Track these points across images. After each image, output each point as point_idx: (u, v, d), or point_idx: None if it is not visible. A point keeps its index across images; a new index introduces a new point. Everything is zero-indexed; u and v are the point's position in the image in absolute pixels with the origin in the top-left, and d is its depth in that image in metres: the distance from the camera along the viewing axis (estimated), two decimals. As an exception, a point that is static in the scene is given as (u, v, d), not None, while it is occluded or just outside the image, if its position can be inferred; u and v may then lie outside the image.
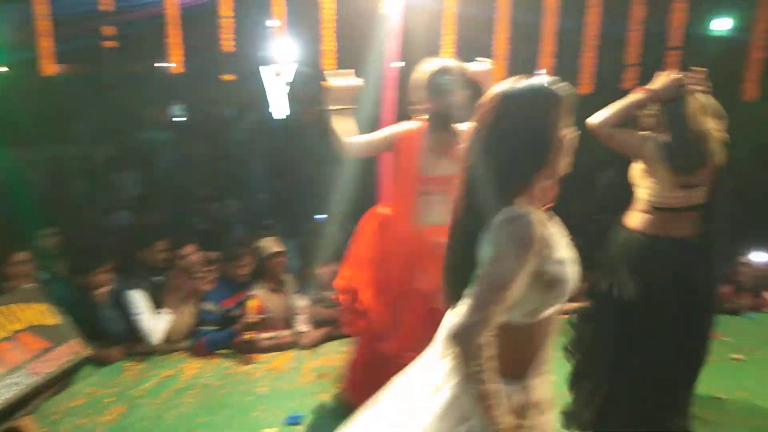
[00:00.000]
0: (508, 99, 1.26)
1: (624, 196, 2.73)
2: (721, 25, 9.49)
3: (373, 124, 2.76)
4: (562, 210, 1.42)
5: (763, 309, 4.75)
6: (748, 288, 4.96)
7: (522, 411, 1.30)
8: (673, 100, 2.40)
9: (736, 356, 3.53)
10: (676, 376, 2.57)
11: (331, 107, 2.61)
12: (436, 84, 2.50)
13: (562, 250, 1.32)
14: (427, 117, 2.56)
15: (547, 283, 1.26)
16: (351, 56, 2.50)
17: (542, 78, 1.33)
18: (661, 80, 2.42)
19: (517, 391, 1.31)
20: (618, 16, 4.12)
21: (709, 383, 2.72)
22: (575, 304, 3.32)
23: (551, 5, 3.85)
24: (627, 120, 2.47)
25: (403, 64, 2.92)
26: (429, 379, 1.40)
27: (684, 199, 2.46)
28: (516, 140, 1.25)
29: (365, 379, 2.55)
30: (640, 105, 2.47)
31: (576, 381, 2.69)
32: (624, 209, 2.64)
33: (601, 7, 3.95)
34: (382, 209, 2.75)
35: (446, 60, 2.56)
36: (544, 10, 3.88)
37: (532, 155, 1.26)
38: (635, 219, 2.58)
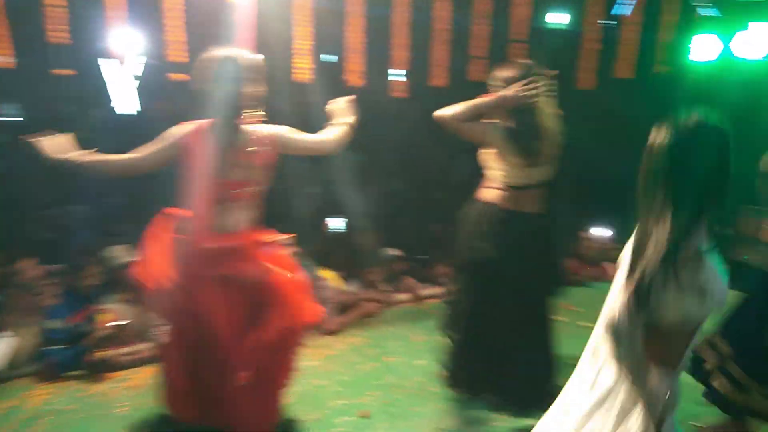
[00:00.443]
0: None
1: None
2: (559, 19, 10.32)
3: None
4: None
5: (605, 279, 5.28)
6: (590, 261, 5.52)
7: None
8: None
9: (583, 323, 3.83)
10: (529, 332, 2.88)
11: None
12: (220, 74, 2.34)
13: None
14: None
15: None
16: (201, 47, 2.34)
17: None
18: (513, 89, 2.64)
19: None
20: (465, 10, 4.28)
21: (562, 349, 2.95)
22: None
23: (402, -1, 3.90)
24: (475, 117, 2.62)
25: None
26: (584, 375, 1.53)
27: (528, 177, 2.75)
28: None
29: (185, 385, 2.46)
30: (489, 107, 2.64)
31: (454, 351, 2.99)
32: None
33: (449, 1, 4.06)
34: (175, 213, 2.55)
35: (237, 50, 2.41)
36: (396, 3, 3.92)
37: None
38: (490, 194, 2.86)
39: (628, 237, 1.50)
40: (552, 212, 2.92)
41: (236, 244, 2.47)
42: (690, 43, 4.81)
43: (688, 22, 4.76)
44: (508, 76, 2.72)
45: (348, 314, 4.41)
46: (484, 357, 2.88)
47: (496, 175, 2.84)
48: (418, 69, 4.44)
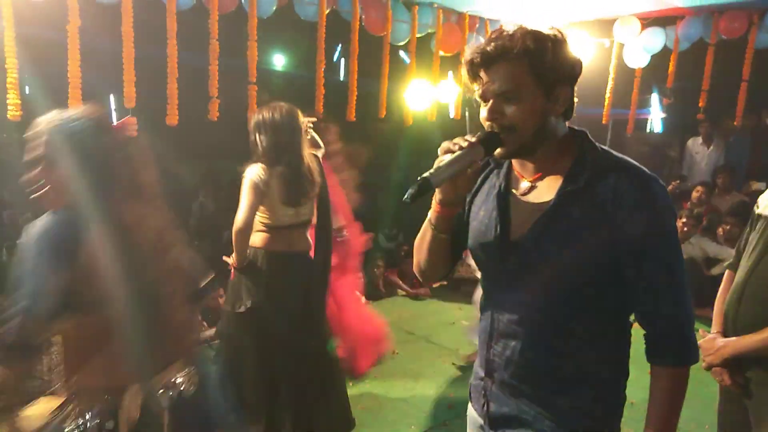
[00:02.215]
0: None
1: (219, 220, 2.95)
2: (278, 60, 10.76)
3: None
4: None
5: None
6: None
7: None
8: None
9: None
10: (315, 374, 3.01)
11: None
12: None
13: None
14: None
15: None
16: None
17: None
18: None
19: None
20: (198, 50, 4.22)
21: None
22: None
23: (127, 34, 3.69)
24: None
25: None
26: None
27: (294, 217, 2.86)
28: None
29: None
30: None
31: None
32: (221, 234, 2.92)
33: (178, 39, 3.96)
34: None
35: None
36: (120, 38, 3.69)
37: None
38: (255, 238, 2.86)
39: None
40: (320, 249, 3.04)
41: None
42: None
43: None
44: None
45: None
46: (272, 396, 2.92)
47: (260, 219, 2.86)
48: (150, 106, 4.22)
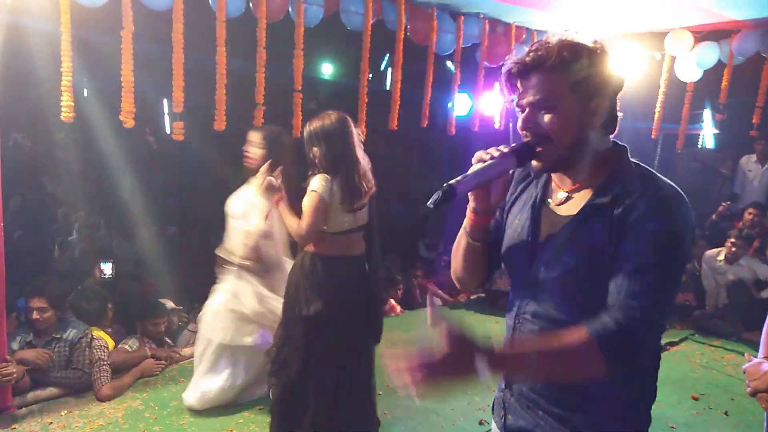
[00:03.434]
0: None
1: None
2: (326, 69, 10.89)
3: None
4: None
5: (392, 314, 5.65)
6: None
7: None
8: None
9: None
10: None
11: None
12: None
13: None
14: None
15: None
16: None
17: None
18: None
19: None
20: (245, 57, 4.31)
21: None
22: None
23: (177, 40, 3.80)
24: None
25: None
26: None
27: (353, 222, 2.95)
28: None
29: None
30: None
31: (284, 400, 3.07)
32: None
33: (227, 47, 4.05)
34: None
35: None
36: (172, 43, 3.81)
37: None
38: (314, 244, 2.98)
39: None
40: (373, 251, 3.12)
41: None
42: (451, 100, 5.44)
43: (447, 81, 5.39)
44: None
45: (123, 376, 4.01)
46: (317, 402, 2.98)
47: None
48: (198, 112, 4.34)
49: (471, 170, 1.39)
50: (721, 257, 5.71)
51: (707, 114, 7.42)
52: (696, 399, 4.03)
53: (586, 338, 1.25)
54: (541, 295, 1.44)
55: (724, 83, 5.48)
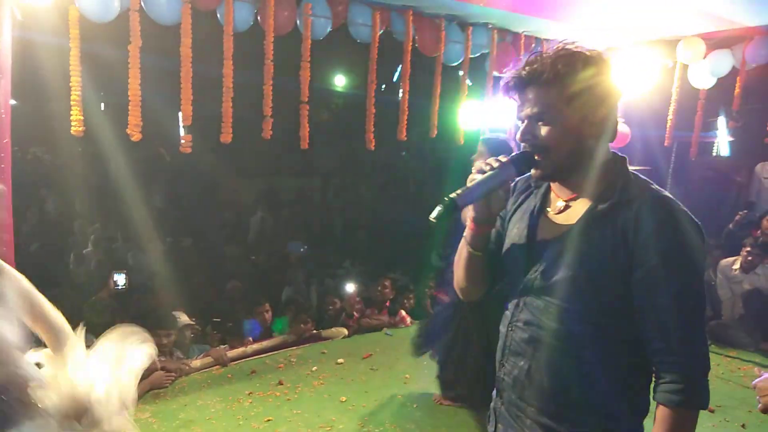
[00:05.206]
0: None
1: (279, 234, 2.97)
2: (339, 80, 10.98)
3: None
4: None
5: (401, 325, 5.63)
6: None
7: None
8: None
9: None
10: None
11: None
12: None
13: None
14: None
15: None
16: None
17: None
18: None
19: None
20: (252, 69, 4.34)
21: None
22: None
23: (186, 54, 3.84)
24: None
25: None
26: None
27: None
28: None
29: None
30: None
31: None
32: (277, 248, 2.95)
33: (236, 59, 4.08)
34: None
35: None
36: (179, 56, 3.85)
37: None
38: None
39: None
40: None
41: None
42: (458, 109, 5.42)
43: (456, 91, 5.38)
44: None
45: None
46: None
47: None
48: (206, 123, 4.37)
49: (472, 182, 1.41)
50: (737, 266, 5.62)
51: (721, 121, 7.35)
52: (712, 411, 3.96)
53: (678, 414, 1.32)
54: (534, 303, 1.44)
55: (737, 90, 5.41)
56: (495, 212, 1.50)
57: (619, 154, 1.47)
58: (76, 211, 7.48)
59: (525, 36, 5.46)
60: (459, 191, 1.39)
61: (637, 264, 1.31)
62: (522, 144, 1.44)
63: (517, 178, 1.56)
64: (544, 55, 1.37)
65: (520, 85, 1.39)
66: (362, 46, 4.76)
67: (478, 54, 5.31)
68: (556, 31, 5.41)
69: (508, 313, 1.54)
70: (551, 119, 1.36)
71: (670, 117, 5.82)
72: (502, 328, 1.56)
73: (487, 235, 1.54)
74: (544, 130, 1.37)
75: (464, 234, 1.56)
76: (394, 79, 11.10)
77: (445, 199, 1.37)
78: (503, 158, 1.44)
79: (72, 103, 3.48)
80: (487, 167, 1.42)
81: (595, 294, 1.34)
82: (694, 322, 1.31)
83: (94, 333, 4.14)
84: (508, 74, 1.42)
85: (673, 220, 1.31)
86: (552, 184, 1.51)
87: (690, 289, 1.31)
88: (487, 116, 5.55)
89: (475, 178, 1.43)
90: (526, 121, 1.41)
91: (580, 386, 1.39)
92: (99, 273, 6.00)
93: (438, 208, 1.36)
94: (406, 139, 4.94)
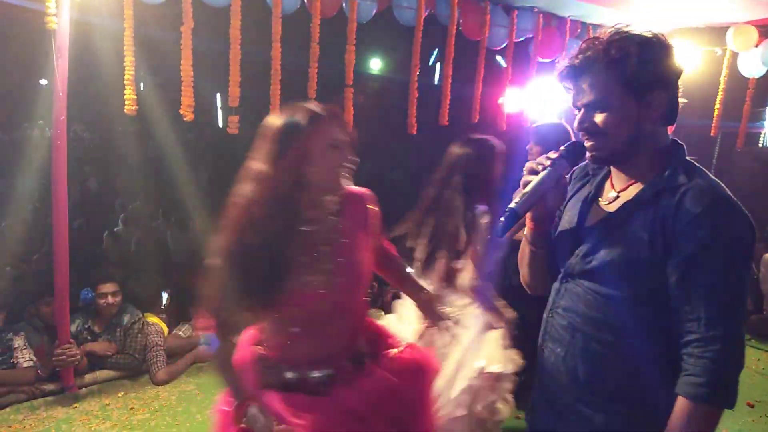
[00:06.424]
0: None
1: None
2: (375, 64, 10.95)
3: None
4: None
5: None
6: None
7: None
8: None
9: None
10: None
11: None
12: None
13: None
14: None
15: None
16: (17, 73, 2.12)
17: None
18: None
19: None
20: (299, 52, 4.36)
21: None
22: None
23: (235, 36, 3.87)
24: None
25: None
26: None
27: None
28: None
29: None
30: None
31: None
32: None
33: (281, 42, 4.10)
34: None
35: None
36: (228, 40, 3.88)
37: None
38: None
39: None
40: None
41: None
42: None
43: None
44: None
45: (178, 362, 4.14)
46: None
47: None
48: (253, 106, 4.41)
49: (526, 185, 1.42)
50: (782, 260, 5.50)
51: (769, 111, 7.16)
52: (752, 406, 3.91)
53: (700, 409, 1.27)
54: (574, 290, 1.45)
55: (789, 79, 5.26)
56: (553, 209, 1.50)
57: (678, 141, 1.44)
58: (118, 189, 7.63)
59: (571, 20, 5.37)
60: (517, 200, 1.40)
61: (675, 252, 1.28)
62: (580, 132, 1.43)
63: (573, 168, 1.55)
64: (596, 41, 1.35)
65: (573, 74, 1.38)
66: (400, 29, 4.73)
67: (522, 38, 5.25)
68: (603, 15, 5.31)
69: (550, 299, 1.55)
70: (607, 106, 1.35)
71: (717, 106, 5.68)
72: (544, 314, 1.57)
73: (546, 232, 1.55)
74: (600, 118, 1.36)
75: (524, 232, 1.57)
76: (430, 62, 11.06)
77: (506, 210, 1.38)
78: (553, 154, 1.43)
79: (125, 82, 3.55)
80: (539, 167, 1.42)
81: (632, 281, 1.33)
82: (729, 316, 1.25)
83: (139, 306, 4.28)
84: (561, 63, 1.41)
85: (716, 209, 1.27)
86: (612, 170, 1.50)
87: (727, 281, 1.26)
88: (531, 101, 5.50)
89: (529, 179, 1.43)
90: (582, 110, 1.40)
91: (614, 375, 1.38)
92: (139, 250, 6.15)
93: (501, 222, 1.38)
94: (447, 124, 4.92)
